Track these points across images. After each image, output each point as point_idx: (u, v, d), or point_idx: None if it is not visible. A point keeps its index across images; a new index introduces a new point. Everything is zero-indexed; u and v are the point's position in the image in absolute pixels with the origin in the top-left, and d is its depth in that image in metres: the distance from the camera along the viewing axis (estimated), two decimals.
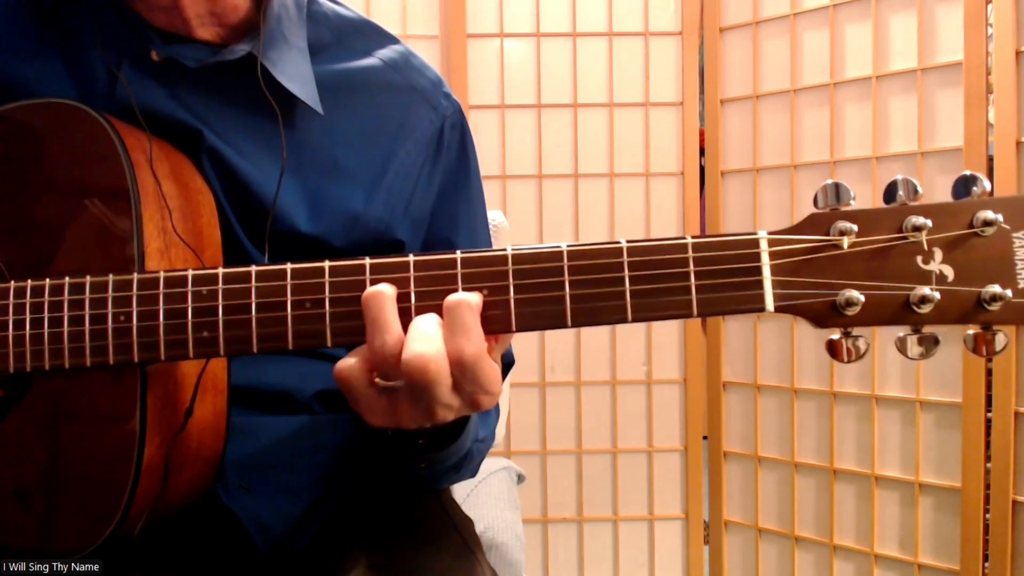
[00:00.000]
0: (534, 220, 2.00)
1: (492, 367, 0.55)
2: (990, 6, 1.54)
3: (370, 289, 0.54)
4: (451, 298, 0.54)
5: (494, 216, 1.56)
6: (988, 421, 1.58)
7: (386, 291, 0.54)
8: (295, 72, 0.74)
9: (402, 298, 0.55)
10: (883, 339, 1.71)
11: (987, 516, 1.59)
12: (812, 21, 1.80)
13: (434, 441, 0.66)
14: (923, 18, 1.64)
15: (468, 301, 0.54)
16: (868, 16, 1.71)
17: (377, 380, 0.56)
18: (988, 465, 1.59)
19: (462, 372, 0.53)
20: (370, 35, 0.83)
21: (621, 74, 1.99)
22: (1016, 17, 1.50)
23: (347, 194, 0.77)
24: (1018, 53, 1.50)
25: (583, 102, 1.98)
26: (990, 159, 1.56)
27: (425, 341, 0.52)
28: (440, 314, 0.54)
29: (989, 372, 1.58)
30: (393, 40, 0.84)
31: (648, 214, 1.99)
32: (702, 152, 2.00)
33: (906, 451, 1.70)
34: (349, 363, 0.55)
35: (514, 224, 1.93)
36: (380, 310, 0.54)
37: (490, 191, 1.94)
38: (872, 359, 1.73)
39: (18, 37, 0.73)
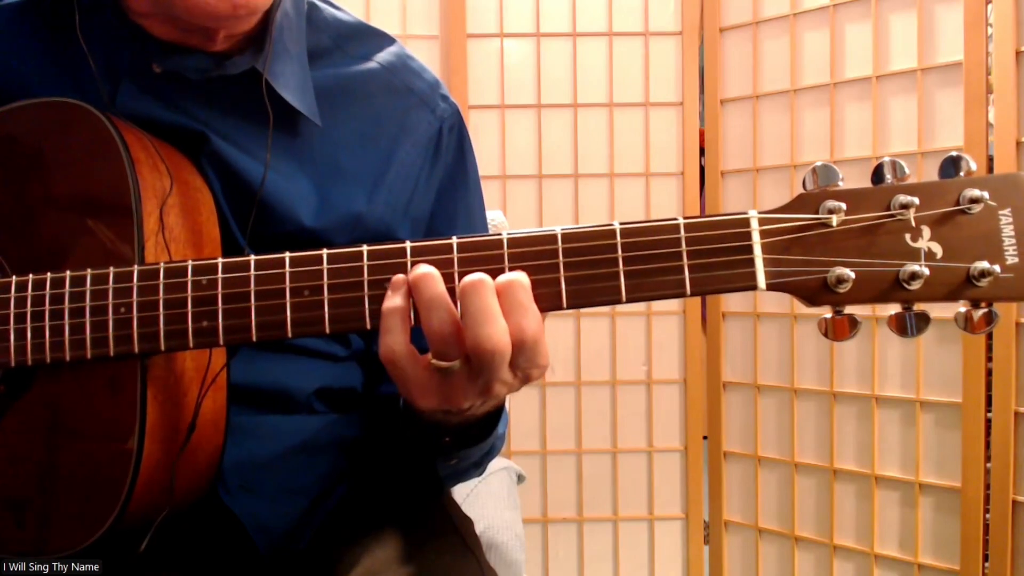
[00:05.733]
0: (534, 220, 2.00)
1: (545, 342, 0.56)
2: (990, 6, 1.54)
3: (418, 270, 0.55)
4: (503, 278, 0.55)
5: (494, 216, 1.57)
6: (988, 421, 1.58)
7: (433, 271, 0.55)
8: (295, 83, 0.75)
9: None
10: (883, 338, 1.71)
11: (987, 516, 1.59)
12: (812, 21, 1.80)
13: (464, 439, 0.66)
14: (923, 18, 1.65)
15: (521, 281, 0.55)
16: (868, 16, 1.71)
17: (434, 361, 0.56)
18: (988, 465, 1.59)
19: (521, 350, 0.55)
20: (368, 39, 0.84)
21: (621, 74, 1.99)
22: (1016, 17, 1.50)
23: (350, 194, 0.77)
24: (1018, 53, 1.50)
25: (583, 102, 1.99)
26: (990, 159, 1.56)
27: (489, 318, 0.53)
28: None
29: (989, 372, 1.58)
30: (391, 42, 0.85)
31: (648, 214, 1.99)
32: (702, 152, 2.00)
33: (906, 451, 1.70)
34: (394, 344, 0.55)
35: (514, 224, 1.94)
36: (433, 289, 0.54)
37: (490, 191, 1.94)
38: (872, 359, 1.73)
39: (19, 39, 0.74)
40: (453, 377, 0.56)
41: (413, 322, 0.56)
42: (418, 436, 0.68)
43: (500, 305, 0.54)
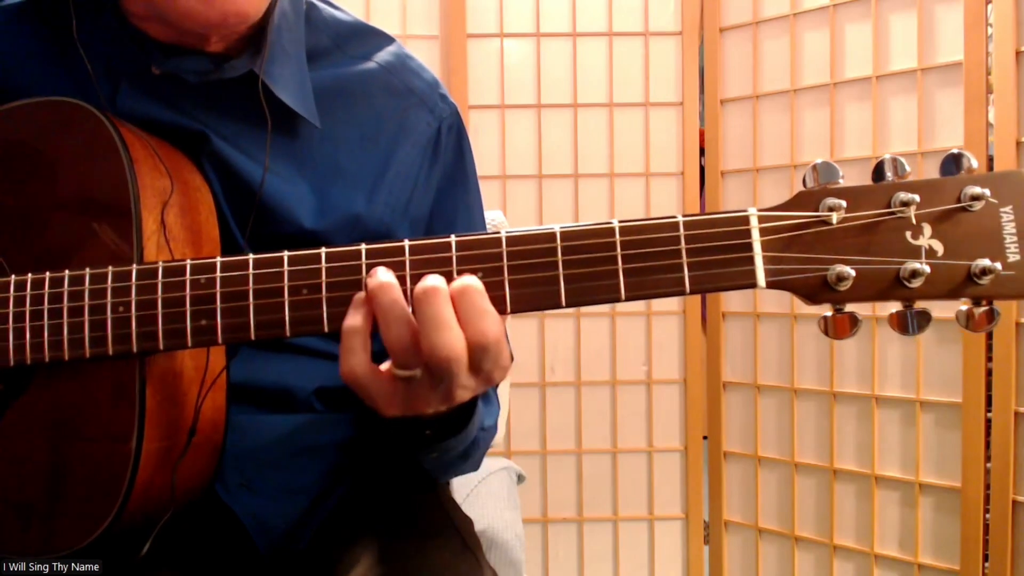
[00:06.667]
0: (534, 220, 2.00)
1: (506, 343, 0.56)
2: (990, 6, 1.54)
3: (375, 279, 0.54)
4: (457, 284, 0.54)
5: (494, 216, 1.56)
6: (988, 421, 1.58)
7: (391, 279, 0.55)
8: (294, 86, 0.75)
9: (399, 282, 0.55)
10: (883, 339, 1.71)
11: (987, 516, 1.59)
12: (812, 21, 1.80)
13: (443, 430, 0.66)
14: (923, 18, 1.65)
15: (474, 285, 0.54)
16: (868, 16, 1.71)
17: (395, 371, 0.56)
18: (988, 465, 1.59)
19: (484, 354, 0.55)
20: (368, 39, 0.84)
21: (621, 74, 1.99)
22: (1016, 17, 1.50)
23: (349, 195, 0.77)
24: (1018, 53, 1.50)
25: (583, 102, 1.99)
26: (990, 159, 1.56)
27: (443, 326, 0.53)
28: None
29: (989, 372, 1.58)
30: (390, 42, 0.85)
31: (648, 214, 1.99)
32: (702, 152, 2.00)
33: (906, 451, 1.70)
34: (355, 365, 0.55)
35: (514, 224, 1.93)
36: (389, 296, 0.54)
37: (490, 191, 1.94)
38: (872, 359, 1.73)
39: (19, 39, 0.74)
40: (415, 385, 0.56)
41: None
42: (401, 431, 0.68)
43: (457, 312, 0.54)
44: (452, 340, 0.53)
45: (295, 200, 0.75)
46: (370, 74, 0.81)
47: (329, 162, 0.77)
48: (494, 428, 0.81)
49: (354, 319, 0.55)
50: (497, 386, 0.81)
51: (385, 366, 0.57)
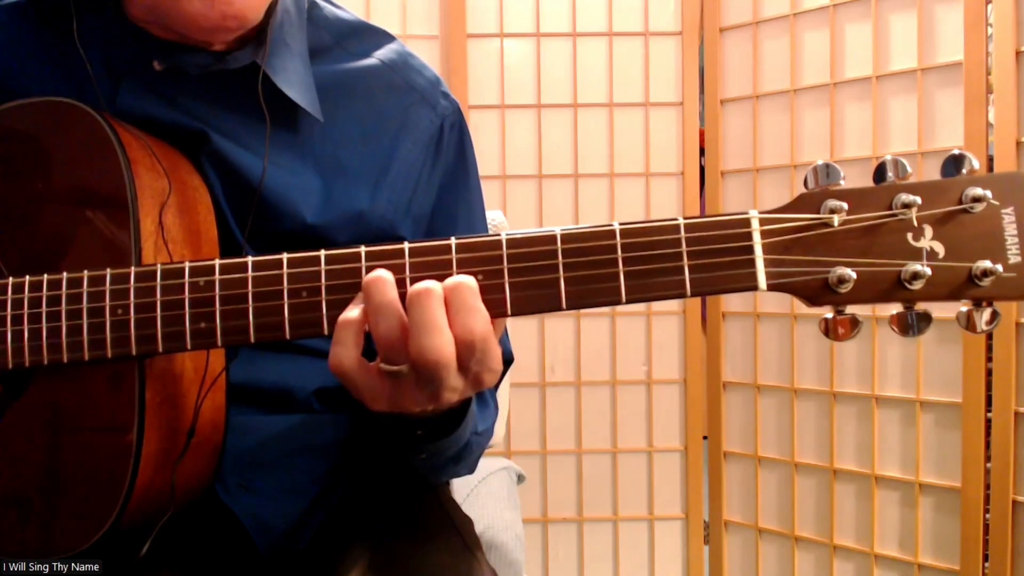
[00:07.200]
0: (534, 220, 2.00)
1: (496, 345, 0.56)
2: (990, 6, 1.54)
3: (371, 274, 0.54)
4: (450, 281, 0.54)
5: (494, 216, 1.56)
6: (988, 421, 1.58)
7: (386, 276, 0.54)
8: (296, 79, 0.75)
9: (398, 284, 0.55)
10: (883, 339, 1.71)
11: (987, 516, 1.59)
12: (812, 21, 1.80)
13: (433, 431, 0.66)
14: (923, 18, 1.64)
15: (467, 283, 0.54)
16: (868, 16, 1.71)
17: (382, 365, 0.56)
18: (988, 465, 1.59)
19: (471, 352, 0.54)
20: (369, 36, 0.84)
21: (621, 74, 1.99)
22: (1016, 17, 1.50)
23: (352, 191, 0.77)
24: (1018, 53, 1.50)
25: (583, 102, 1.99)
26: (990, 159, 1.56)
27: (434, 330, 0.53)
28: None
29: (989, 372, 1.58)
30: (391, 40, 0.85)
31: (648, 214, 1.99)
32: (702, 152, 2.00)
33: (906, 451, 1.70)
34: (343, 357, 0.55)
35: (514, 224, 1.93)
36: (383, 295, 0.54)
37: (490, 191, 1.94)
38: (872, 359, 1.73)
39: (18, 38, 0.74)
40: (402, 383, 0.56)
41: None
42: (391, 429, 0.67)
43: (447, 308, 0.54)
44: (441, 344, 0.53)
45: (298, 192, 0.75)
46: (371, 70, 0.81)
47: (331, 157, 0.77)
48: (490, 432, 0.81)
49: (349, 312, 0.55)
50: (496, 389, 0.81)
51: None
